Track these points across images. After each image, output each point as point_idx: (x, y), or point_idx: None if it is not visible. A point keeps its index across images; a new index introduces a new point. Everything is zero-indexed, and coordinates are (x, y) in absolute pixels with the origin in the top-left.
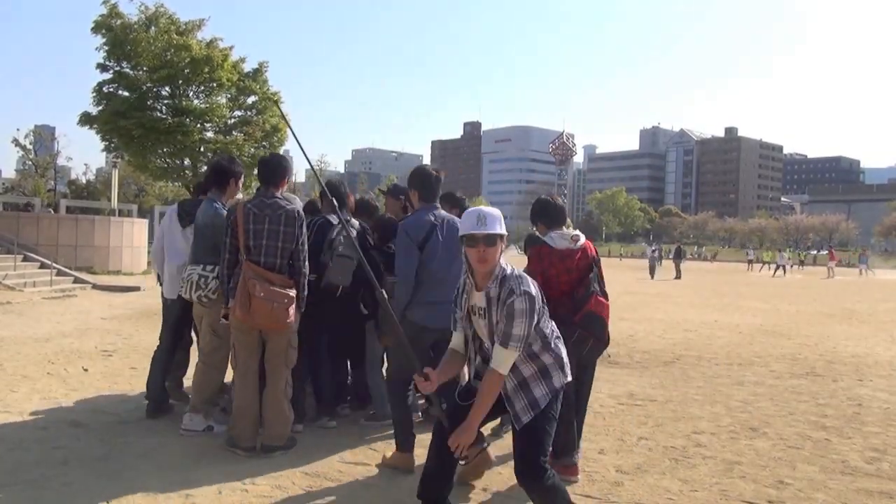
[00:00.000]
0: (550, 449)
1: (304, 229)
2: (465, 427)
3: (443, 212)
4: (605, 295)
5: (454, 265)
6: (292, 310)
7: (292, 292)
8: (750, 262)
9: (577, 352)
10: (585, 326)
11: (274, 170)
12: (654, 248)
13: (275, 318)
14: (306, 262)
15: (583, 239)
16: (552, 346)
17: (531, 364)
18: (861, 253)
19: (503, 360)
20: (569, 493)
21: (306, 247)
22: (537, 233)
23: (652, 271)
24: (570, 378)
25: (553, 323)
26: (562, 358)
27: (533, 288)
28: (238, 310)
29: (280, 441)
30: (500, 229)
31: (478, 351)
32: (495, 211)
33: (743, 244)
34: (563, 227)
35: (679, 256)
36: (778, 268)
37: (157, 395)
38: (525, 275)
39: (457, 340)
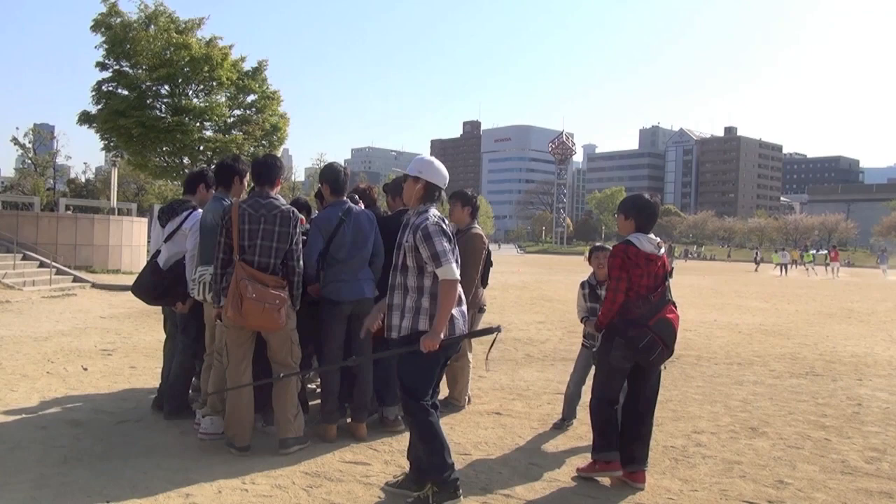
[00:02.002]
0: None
1: (299, 229)
2: (431, 333)
3: (352, 205)
4: (675, 305)
5: (360, 251)
6: (284, 310)
7: (284, 293)
8: (757, 262)
9: (645, 355)
10: (658, 332)
11: (269, 169)
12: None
13: (266, 319)
14: (300, 262)
15: (664, 247)
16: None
17: (411, 297)
18: (880, 253)
19: (445, 272)
20: (436, 435)
21: (301, 246)
22: (623, 227)
23: None
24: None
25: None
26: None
27: (444, 224)
28: (230, 310)
29: (297, 433)
30: (411, 172)
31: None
32: (419, 161)
33: (742, 244)
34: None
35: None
36: (783, 267)
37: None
38: (432, 215)
39: None
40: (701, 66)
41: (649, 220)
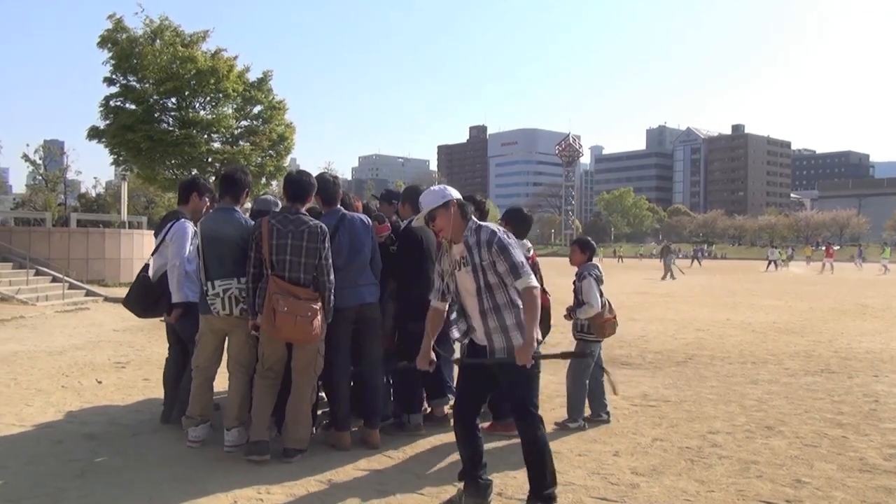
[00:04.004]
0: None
1: (328, 244)
2: (525, 344)
3: (346, 212)
4: (546, 292)
5: (358, 257)
6: (317, 322)
7: (317, 305)
8: (774, 262)
9: None
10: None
11: (301, 187)
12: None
13: (299, 331)
14: (331, 276)
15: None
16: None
17: (510, 314)
18: (858, 249)
19: (526, 281)
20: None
21: (330, 261)
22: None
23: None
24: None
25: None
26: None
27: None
28: (265, 323)
29: (301, 445)
30: (436, 203)
31: (459, 310)
32: (431, 192)
33: (753, 242)
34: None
35: (665, 256)
36: (770, 263)
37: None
38: (497, 228)
39: (440, 306)
40: (707, 64)
41: (524, 229)
